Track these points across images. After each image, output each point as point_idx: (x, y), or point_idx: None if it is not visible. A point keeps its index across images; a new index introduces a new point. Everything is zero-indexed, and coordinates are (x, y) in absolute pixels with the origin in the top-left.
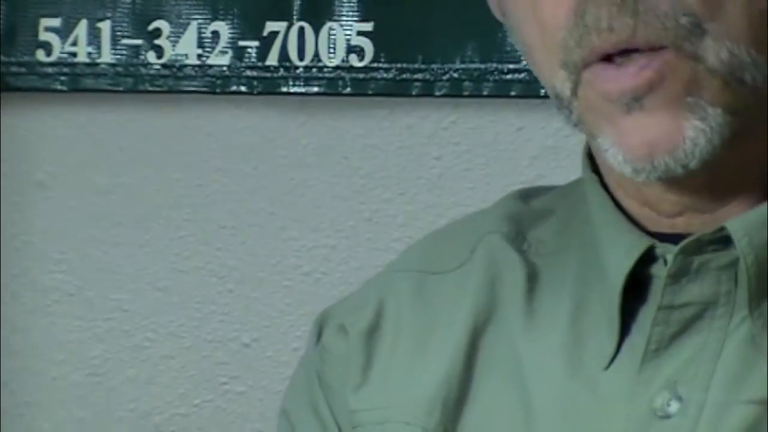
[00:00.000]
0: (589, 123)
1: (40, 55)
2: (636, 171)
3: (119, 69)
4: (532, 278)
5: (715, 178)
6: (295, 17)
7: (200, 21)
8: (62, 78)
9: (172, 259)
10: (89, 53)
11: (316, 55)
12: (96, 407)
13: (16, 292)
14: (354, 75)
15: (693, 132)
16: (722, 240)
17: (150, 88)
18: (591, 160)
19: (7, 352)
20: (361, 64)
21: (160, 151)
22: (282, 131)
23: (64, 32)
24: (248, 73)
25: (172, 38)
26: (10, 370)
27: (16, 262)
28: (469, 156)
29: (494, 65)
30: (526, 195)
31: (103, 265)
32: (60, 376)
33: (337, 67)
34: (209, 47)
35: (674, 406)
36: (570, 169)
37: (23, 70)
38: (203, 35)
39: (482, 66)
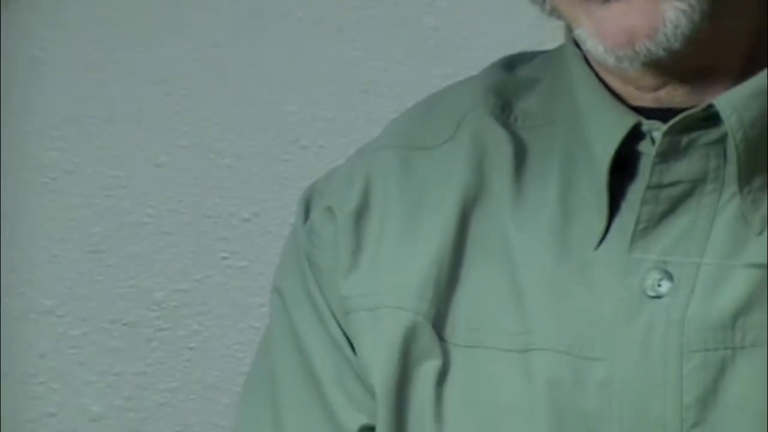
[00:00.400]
0: (565, 14)
1: None
2: (618, 59)
3: None
4: (520, 155)
5: (696, 52)
6: None
7: None
8: None
9: (170, 134)
10: None
11: None
12: (96, 284)
13: (14, 170)
14: None
15: (673, 13)
16: (710, 117)
17: None
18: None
19: (6, 229)
20: None
21: (157, 26)
22: (277, 4)
23: None
24: None
25: None
26: (10, 247)
27: (14, 140)
28: (466, 26)
29: None
30: (511, 63)
31: (101, 141)
32: (60, 254)
33: None
34: None
35: (665, 286)
36: None
37: None
38: None
39: None
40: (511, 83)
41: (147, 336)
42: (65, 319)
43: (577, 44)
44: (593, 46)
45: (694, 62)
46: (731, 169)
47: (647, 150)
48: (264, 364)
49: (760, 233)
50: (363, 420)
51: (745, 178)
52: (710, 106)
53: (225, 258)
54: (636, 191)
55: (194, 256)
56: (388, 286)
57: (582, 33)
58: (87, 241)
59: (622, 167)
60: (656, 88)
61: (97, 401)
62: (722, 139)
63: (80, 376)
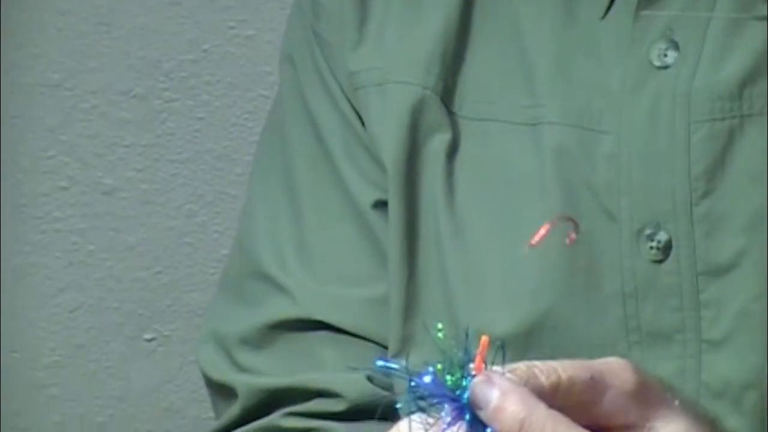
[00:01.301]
0: None
1: None
2: None
3: None
4: None
5: None
6: None
7: None
8: None
9: None
10: None
11: None
12: (104, 57)
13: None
14: None
15: None
16: None
17: None
18: None
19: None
20: None
21: None
22: None
23: None
24: None
25: None
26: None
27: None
28: None
29: None
30: None
31: None
32: (67, 27)
33: None
34: None
35: (671, 56)
36: None
37: None
38: None
39: None
40: None
41: (156, 107)
42: (74, 93)
43: None
44: None
45: None
46: None
47: None
48: (275, 137)
49: None
50: (376, 195)
51: None
52: None
53: (232, 27)
54: None
55: (201, 25)
56: (394, 61)
57: None
58: (94, 14)
59: None
60: None
61: (108, 174)
62: None
63: (91, 149)
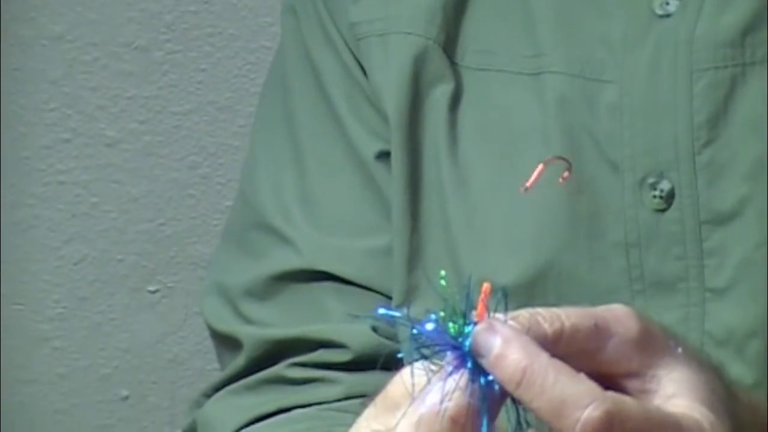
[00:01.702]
0: None
1: None
2: None
3: None
4: None
5: None
6: None
7: None
8: None
9: None
10: None
11: None
12: (106, 9)
13: None
14: None
15: None
16: None
17: None
18: None
19: None
20: None
21: None
22: None
23: None
24: None
25: None
26: None
27: None
28: None
29: None
30: None
31: None
32: None
33: None
34: None
35: (673, 4)
36: None
37: None
38: None
39: None
40: None
41: (158, 59)
42: (76, 45)
43: None
44: None
45: None
46: None
47: None
48: (277, 88)
49: None
50: (379, 146)
51: None
52: None
53: None
54: None
55: None
56: (396, 12)
57: None
58: None
59: None
60: None
61: (111, 126)
62: None
63: (93, 101)
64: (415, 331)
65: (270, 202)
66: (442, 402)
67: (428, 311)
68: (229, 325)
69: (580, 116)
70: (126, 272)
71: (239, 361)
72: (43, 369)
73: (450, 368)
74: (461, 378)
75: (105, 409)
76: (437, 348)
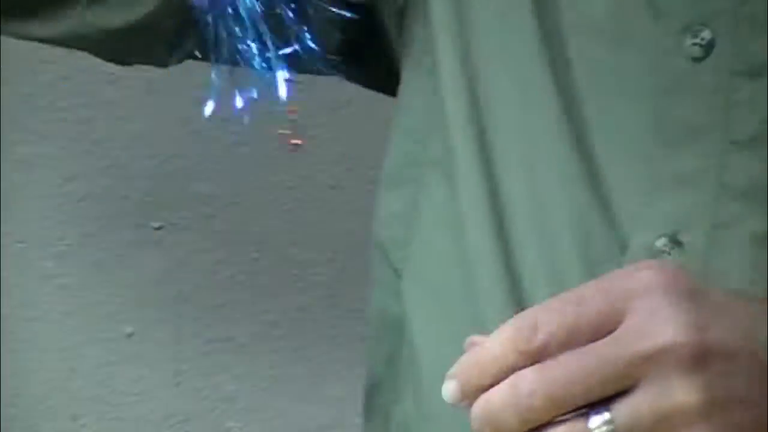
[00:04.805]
0: None
1: None
2: None
3: None
4: None
5: None
6: None
7: None
8: None
9: None
10: None
11: None
12: None
13: None
14: None
15: None
16: None
17: None
18: None
19: None
20: None
21: None
22: None
23: None
24: None
25: None
26: None
27: None
28: None
29: None
30: None
31: None
32: None
33: None
34: None
35: None
36: None
37: None
38: None
39: None
40: None
41: None
42: None
43: None
44: None
45: None
46: None
47: None
48: None
49: None
50: None
51: None
52: None
53: None
54: None
55: None
56: None
57: None
58: None
59: None
60: None
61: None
62: None
63: None
64: None
65: None
66: None
67: None
68: None
69: None
70: (130, 209)
71: None
72: (47, 307)
73: None
74: None
75: (109, 347)
76: None
